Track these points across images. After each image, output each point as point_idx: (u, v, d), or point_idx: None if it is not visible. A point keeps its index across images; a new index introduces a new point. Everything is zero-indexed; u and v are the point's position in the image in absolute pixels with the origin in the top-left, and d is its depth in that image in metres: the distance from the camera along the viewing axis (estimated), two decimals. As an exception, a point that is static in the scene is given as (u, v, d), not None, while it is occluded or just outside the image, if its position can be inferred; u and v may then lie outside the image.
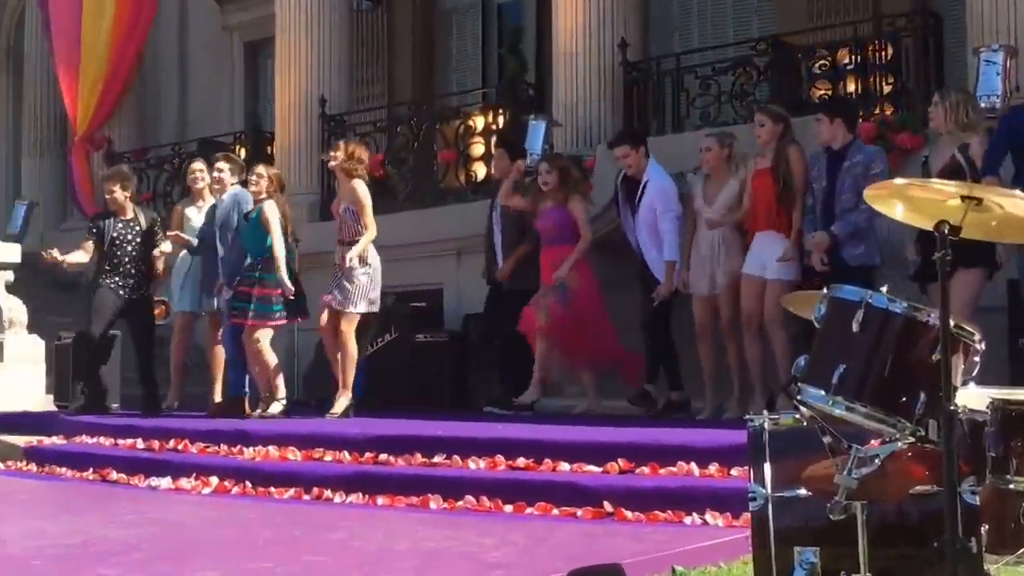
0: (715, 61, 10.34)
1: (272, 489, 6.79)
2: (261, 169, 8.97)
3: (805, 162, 7.52)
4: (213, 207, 9.22)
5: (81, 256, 9.60)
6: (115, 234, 9.38)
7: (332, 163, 8.81)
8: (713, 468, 5.87)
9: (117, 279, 9.35)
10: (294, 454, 7.27)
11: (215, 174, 9.23)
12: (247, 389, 8.92)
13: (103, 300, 9.34)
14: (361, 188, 8.58)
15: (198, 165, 9.89)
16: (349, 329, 8.44)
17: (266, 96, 15.02)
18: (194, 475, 7.20)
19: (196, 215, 9.53)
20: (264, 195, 8.66)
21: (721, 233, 7.84)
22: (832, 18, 10.56)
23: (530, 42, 13.12)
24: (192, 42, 16.19)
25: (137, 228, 9.46)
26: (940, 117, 6.90)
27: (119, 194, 9.52)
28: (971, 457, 3.34)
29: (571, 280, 8.42)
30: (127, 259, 9.37)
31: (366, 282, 8.43)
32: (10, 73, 17.99)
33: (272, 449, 7.36)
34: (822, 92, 9.63)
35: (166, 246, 9.48)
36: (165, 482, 7.27)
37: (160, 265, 9.57)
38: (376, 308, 8.62)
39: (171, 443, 7.96)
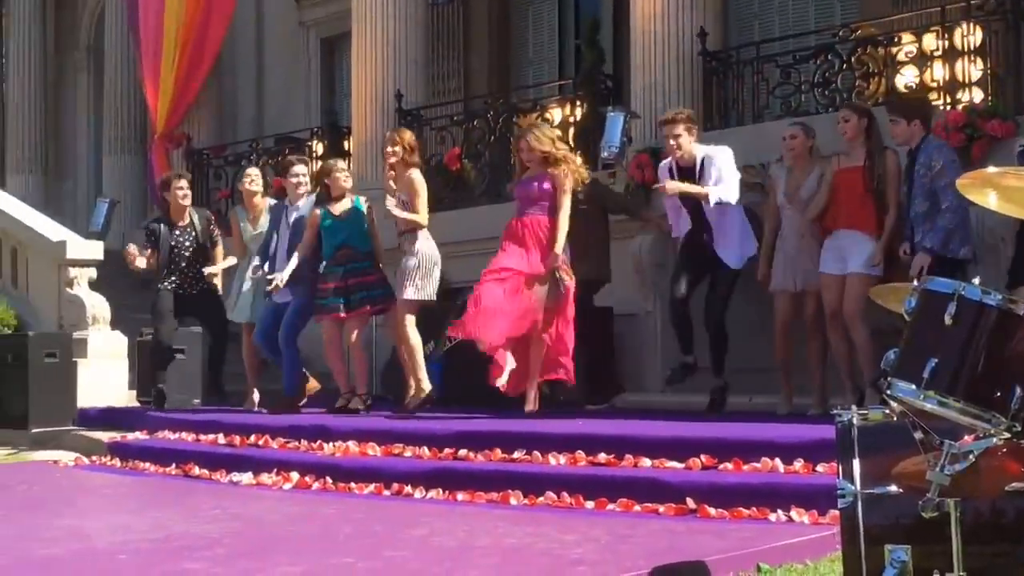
0: (796, 50, 10.16)
1: (352, 485, 6.80)
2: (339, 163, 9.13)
3: (901, 168, 7.40)
4: (280, 210, 9.27)
5: (143, 263, 9.76)
6: (173, 243, 9.68)
7: (393, 158, 8.64)
8: (798, 464, 5.77)
9: (175, 278, 9.61)
10: (374, 450, 7.28)
11: (294, 179, 9.26)
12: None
13: (163, 302, 9.61)
14: (418, 177, 8.57)
15: (254, 171, 10.04)
16: (402, 318, 8.42)
17: (342, 91, 15.09)
18: (275, 470, 7.24)
19: (246, 224, 9.68)
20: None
21: (809, 228, 7.71)
22: (918, 4, 10.33)
23: (607, 33, 13.00)
24: (268, 39, 16.33)
25: (193, 234, 9.70)
26: None
27: (183, 196, 9.66)
28: (1070, 454, 3.22)
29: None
30: (184, 263, 9.64)
31: (413, 266, 8.39)
32: (91, 72, 18.30)
33: (352, 445, 7.38)
34: (908, 79, 9.42)
35: (215, 268, 9.80)
36: (246, 477, 7.32)
37: (217, 282, 9.85)
38: (425, 295, 8.41)
39: (252, 438, 8.03)
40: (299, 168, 9.35)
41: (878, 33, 9.74)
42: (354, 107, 12.65)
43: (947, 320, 3.21)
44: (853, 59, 9.65)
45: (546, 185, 8.01)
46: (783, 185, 7.88)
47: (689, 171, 8.06)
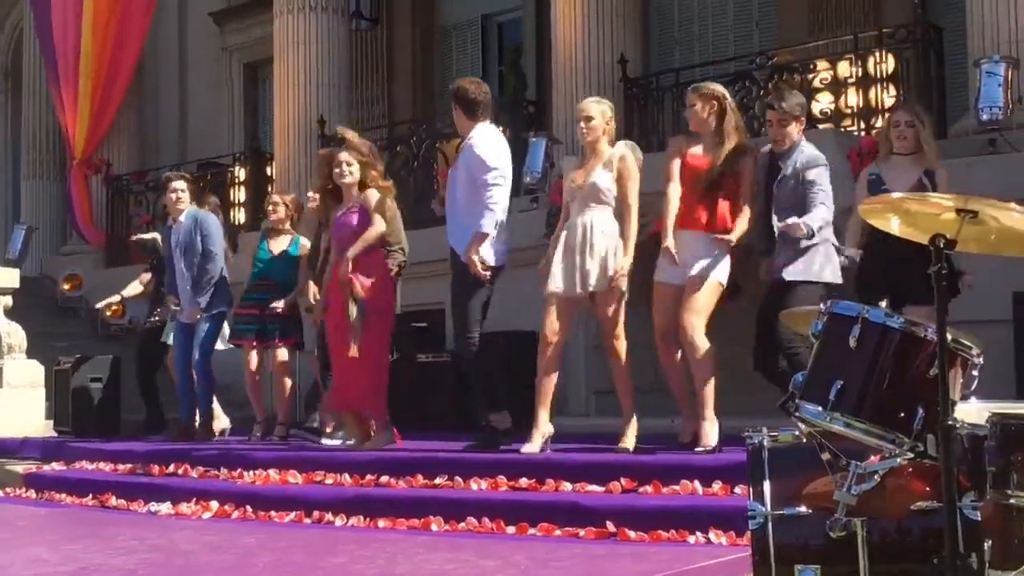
0: (715, 76, 10.30)
1: (273, 513, 6.74)
2: (277, 197, 9.10)
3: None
4: (169, 228, 9.17)
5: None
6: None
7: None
8: (716, 486, 5.82)
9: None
10: (295, 477, 7.22)
11: (173, 195, 9.09)
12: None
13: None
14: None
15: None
16: None
17: (265, 117, 15.04)
18: (194, 500, 7.15)
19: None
20: (286, 222, 8.90)
21: None
22: (833, 31, 10.55)
23: (530, 59, 13.11)
24: (191, 64, 16.23)
25: None
26: (913, 137, 6.53)
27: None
28: (972, 472, 3.28)
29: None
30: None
31: None
32: (9, 94, 18.04)
33: (273, 473, 7.31)
34: (823, 106, 9.60)
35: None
36: (165, 507, 7.22)
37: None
38: None
39: (171, 467, 7.92)
40: (178, 184, 9.15)
41: (794, 60, 9.93)
42: (277, 132, 12.62)
43: (852, 343, 3.27)
44: (770, 85, 9.81)
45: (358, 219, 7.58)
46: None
47: None
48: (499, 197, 6.92)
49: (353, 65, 13.20)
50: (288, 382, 8.88)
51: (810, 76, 9.72)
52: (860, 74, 9.36)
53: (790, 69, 9.85)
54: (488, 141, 7.03)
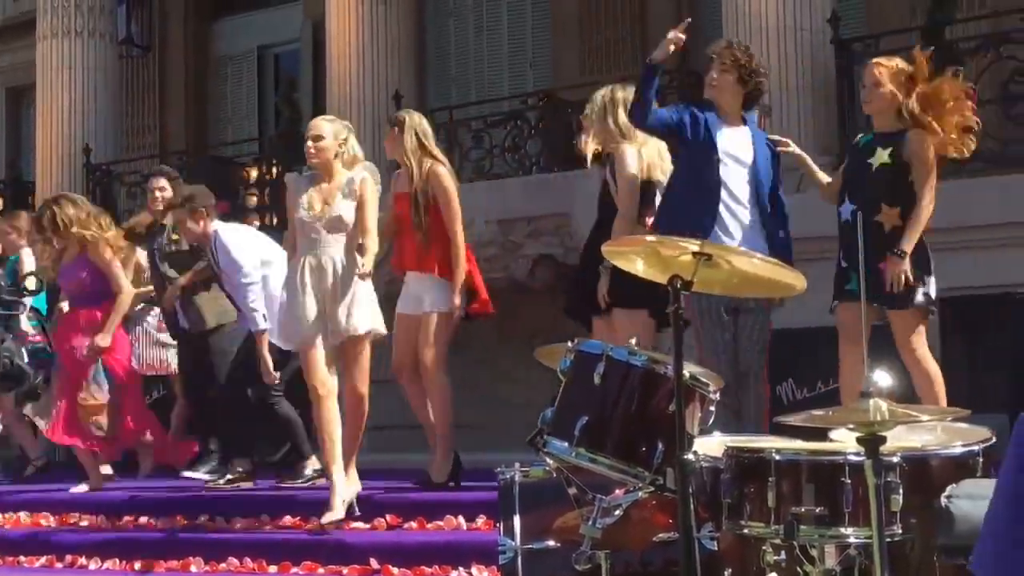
0: (489, 114, 10.45)
1: (22, 558, 6.45)
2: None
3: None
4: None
5: None
6: None
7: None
8: (480, 521, 5.86)
9: None
10: (47, 520, 6.92)
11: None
12: None
13: None
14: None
15: None
16: None
17: (28, 144, 14.44)
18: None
19: None
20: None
21: None
22: (603, 74, 10.84)
23: (307, 92, 13.02)
24: (-52, 86, 15.48)
25: None
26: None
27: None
28: (711, 504, 3.42)
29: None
30: None
31: None
32: None
33: (23, 515, 7.00)
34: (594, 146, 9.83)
35: None
36: (-97, 554, 6.81)
37: None
38: None
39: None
40: None
41: (567, 101, 10.16)
42: (39, 161, 12.11)
43: (596, 379, 3.36)
44: (541, 124, 10.01)
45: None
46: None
47: None
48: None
49: (124, 93, 12.83)
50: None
51: (580, 116, 9.93)
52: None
53: (563, 109, 10.05)
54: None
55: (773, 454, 3.26)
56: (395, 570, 5.55)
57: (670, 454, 3.24)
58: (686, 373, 3.25)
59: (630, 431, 3.33)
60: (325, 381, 5.90)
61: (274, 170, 11.30)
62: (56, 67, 11.79)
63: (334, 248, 5.95)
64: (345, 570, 5.66)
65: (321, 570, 5.73)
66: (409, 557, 5.61)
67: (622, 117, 5.84)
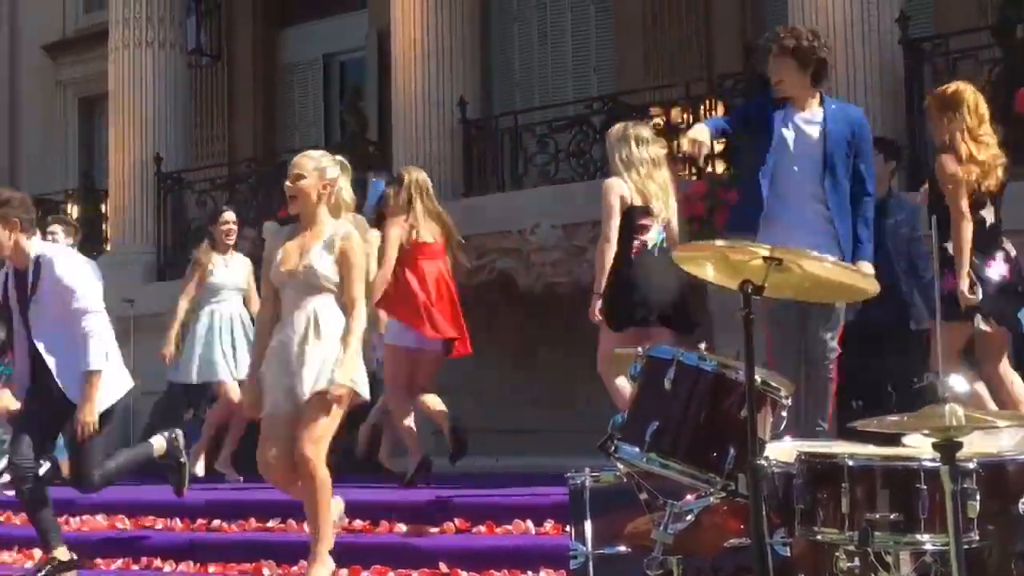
0: (553, 119, 10.47)
1: (99, 560, 6.56)
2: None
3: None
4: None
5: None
6: None
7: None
8: (548, 525, 5.88)
9: None
10: (123, 523, 7.04)
11: (48, 237, 8.94)
12: None
13: None
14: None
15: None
16: None
17: (101, 153, 14.70)
18: (16, 548, 6.91)
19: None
20: None
21: None
22: (667, 78, 10.83)
23: (373, 98, 13.13)
24: (24, 97, 15.81)
25: None
26: None
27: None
28: (782, 510, 3.39)
29: None
30: None
31: None
32: None
33: (100, 518, 7.12)
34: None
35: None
36: (-15, 556, 6.97)
37: None
38: None
39: (-7, 515, 7.65)
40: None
41: (631, 106, 10.15)
42: (112, 169, 12.33)
43: (667, 384, 3.36)
44: (606, 129, 9.99)
45: None
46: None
47: None
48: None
49: (193, 102, 13.02)
50: None
51: (645, 121, 9.94)
52: (691, 120, 9.63)
53: (626, 114, 10.05)
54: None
55: (846, 460, 3.23)
56: (464, 574, 5.58)
57: (742, 459, 3.22)
58: (757, 378, 3.24)
59: (701, 436, 3.32)
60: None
61: (341, 177, 11.39)
62: (129, 78, 12.00)
63: (310, 305, 5.19)
64: (415, 574, 5.70)
65: (391, 574, 5.77)
66: (478, 561, 5.63)
67: (624, 152, 6.41)
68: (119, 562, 6.51)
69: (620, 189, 6.33)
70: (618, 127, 6.68)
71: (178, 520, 6.90)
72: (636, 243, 6.33)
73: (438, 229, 7.19)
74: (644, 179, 6.36)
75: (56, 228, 9.06)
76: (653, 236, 6.38)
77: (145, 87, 11.97)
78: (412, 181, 7.18)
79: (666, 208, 6.37)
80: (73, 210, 13.45)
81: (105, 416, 5.84)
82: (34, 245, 5.91)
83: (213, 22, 13.29)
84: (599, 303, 6.15)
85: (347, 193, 5.33)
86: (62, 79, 15.57)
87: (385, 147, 11.92)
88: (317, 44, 13.95)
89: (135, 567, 6.44)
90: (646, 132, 6.59)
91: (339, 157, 5.40)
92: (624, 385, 5.89)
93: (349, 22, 13.49)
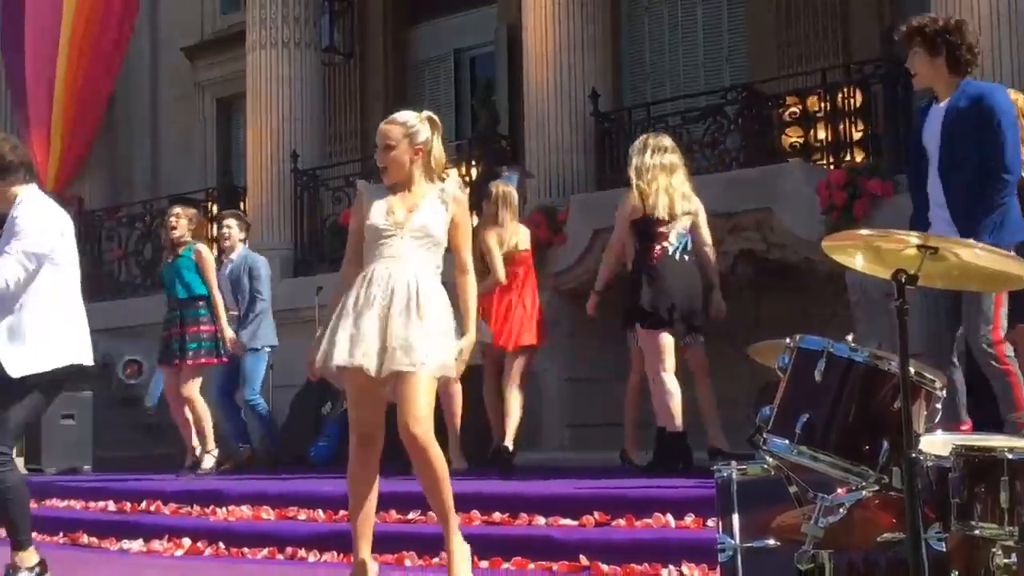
0: (686, 110, 10.39)
1: (245, 550, 6.70)
2: (178, 209, 9.19)
3: None
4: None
5: None
6: None
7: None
8: (689, 519, 5.83)
9: None
10: (268, 513, 7.19)
11: (223, 230, 9.32)
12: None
13: None
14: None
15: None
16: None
17: (238, 152, 15.05)
18: (166, 537, 7.11)
19: None
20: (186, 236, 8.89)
21: None
22: (802, 65, 10.66)
23: (503, 93, 13.19)
24: (163, 99, 16.25)
25: None
26: None
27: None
28: (937, 504, 3.32)
29: None
30: None
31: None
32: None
33: (245, 509, 7.28)
34: (793, 139, 9.69)
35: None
36: (137, 545, 7.17)
37: None
38: None
39: (143, 505, 7.88)
40: (229, 220, 9.49)
41: (765, 95, 10.02)
42: (249, 167, 12.62)
43: (817, 376, 3.30)
44: (740, 120, 9.89)
45: None
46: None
47: None
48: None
49: (326, 99, 13.25)
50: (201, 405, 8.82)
51: (780, 110, 9.81)
52: (829, 108, 9.46)
53: (761, 104, 9.92)
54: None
55: (1006, 453, 3.14)
56: (604, 567, 5.55)
57: (896, 452, 3.16)
58: (911, 369, 3.17)
59: (853, 428, 3.26)
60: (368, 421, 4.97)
61: (473, 171, 11.49)
62: (266, 77, 12.26)
63: (412, 263, 4.80)
64: (555, 566, 5.69)
65: (531, 566, 5.77)
66: (618, 554, 5.60)
67: (637, 160, 7.22)
68: (264, 551, 6.63)
69: (632, 201, 7.13)
70: (640, 138, 7.48)
71: (320, 511, 7.01)
72: (657, 249, 7.12)
73: (522, 237, 8.08)
74: (653, 184, 7.10)
75: (232, 222, 9.43)
76: (673, 241, 7.15)
77: (281, 86, 12.22)
78: (499, 195, 8.13)
79: (686, 211, 7.16)
80: (214, 208, 13.79)
81: (34, 383, 5.12)
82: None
83: (346, 21, 13.51)
84: (595, 300, 7.37)
85: (439, 151, 4.91)
86: (199, 80, 15.97)
87: (516, 141, 11.97)
88: (447, 40, 14.07)
89: (280, 556, 6.56)
90: (666, 141, 7.35)
91: (427, 112, 4.95)
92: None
93: (478, 17, 13.58)
